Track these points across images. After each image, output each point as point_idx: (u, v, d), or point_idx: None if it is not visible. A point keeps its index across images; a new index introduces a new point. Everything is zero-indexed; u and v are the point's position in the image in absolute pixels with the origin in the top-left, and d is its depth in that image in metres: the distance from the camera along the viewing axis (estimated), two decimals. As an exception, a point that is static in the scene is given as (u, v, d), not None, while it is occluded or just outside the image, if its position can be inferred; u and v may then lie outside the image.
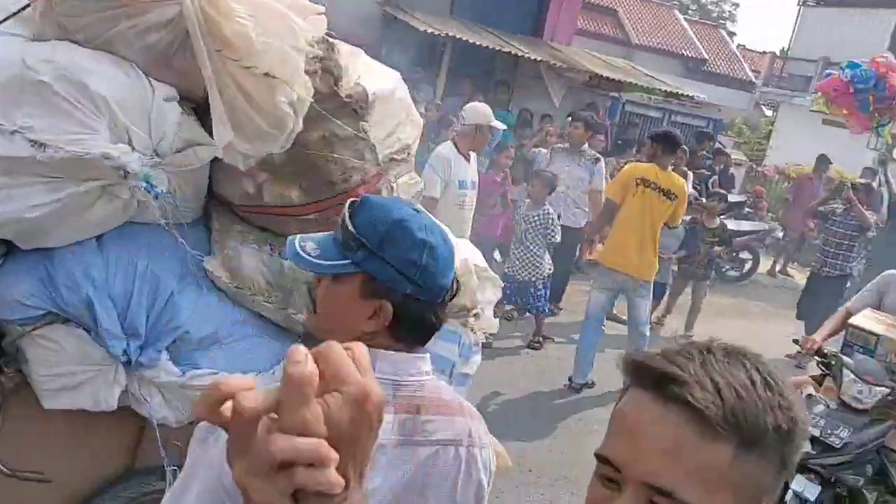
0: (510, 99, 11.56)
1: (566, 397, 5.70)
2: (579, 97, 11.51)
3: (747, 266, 10.76)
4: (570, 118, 7.82)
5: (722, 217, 8.18)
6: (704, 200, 8.00)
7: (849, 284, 9.41)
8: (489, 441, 1.51)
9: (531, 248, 6.26)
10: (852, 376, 3.65)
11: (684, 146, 10.48)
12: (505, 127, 5.97)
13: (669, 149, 5.72)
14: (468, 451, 1.42)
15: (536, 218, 6.33)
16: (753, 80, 22.79)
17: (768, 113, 22.90)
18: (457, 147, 4.98)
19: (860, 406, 3.58)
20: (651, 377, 0.80)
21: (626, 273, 5.58)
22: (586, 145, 7.03)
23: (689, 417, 0.76)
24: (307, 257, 1.42)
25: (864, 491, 3.49)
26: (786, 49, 25.33)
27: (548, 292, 6.54)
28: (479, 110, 5.10)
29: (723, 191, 8.32)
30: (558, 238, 6.43)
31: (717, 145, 16.44)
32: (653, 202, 5.52)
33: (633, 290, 5.66)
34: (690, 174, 9.55)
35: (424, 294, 1.39)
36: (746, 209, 12.06)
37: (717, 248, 7.72)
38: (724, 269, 10.27)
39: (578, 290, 8.18)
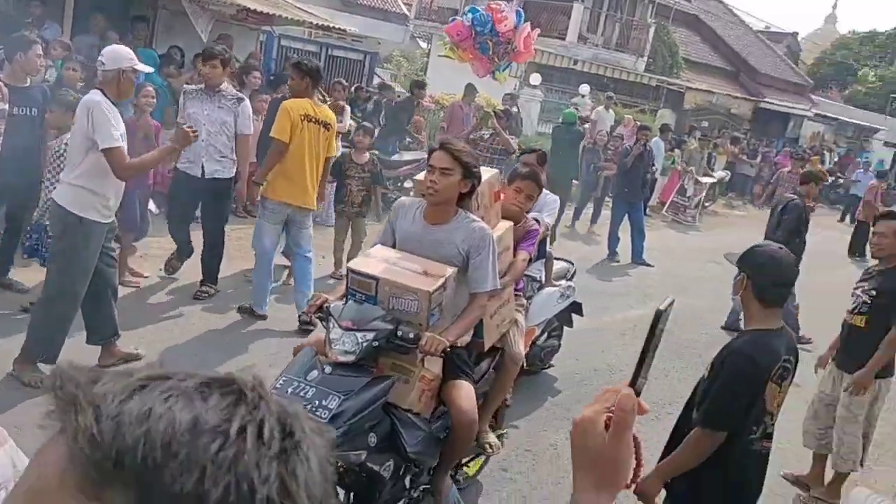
0: (152, 36, 10.61)
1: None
2: (229, 32, 10.90)
3: (412, 194, 11.19)
4: (200, 56, 6.89)
5: (372, 151, 8.27)
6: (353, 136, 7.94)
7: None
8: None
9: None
10: (336, 328, 3.12)
11: (343, 80, 10.54)
12: (151, 69, 5.53)
13: (316, 81, 5.95)
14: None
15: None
16: (406, 13, 23.58)
17: (423, 45, 23.92)
18: (106, 96, 4.43)
19: (349, 359, 3.05)
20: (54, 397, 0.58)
21: (297, 205, 5.90)
22: (225, 84, 6.17)
23: (73, 457, 0.55)
24: None
25: (371, 465, 2.98)
26: (433, -17, 26.50)
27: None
28: (119, 53, 4.62)
29: (369, 124, 8.38)
30: None
31: (378, 79, 16.81)
32: (316, 136, 5.87)
33: (301, 221, 6.03)
34: (348, 108, 9.62)
35: None
36: (408, 139, 12.52)
37: (369, 188, 7.58)
38: (391, 199, 10.57)
39: (245, 234, 7.90)
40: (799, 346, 6.76)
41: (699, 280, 9.99)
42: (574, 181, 11.82)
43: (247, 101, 6.28)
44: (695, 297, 8.97)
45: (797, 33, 39.88)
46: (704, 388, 2.79)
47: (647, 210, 13.36)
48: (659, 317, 1.10)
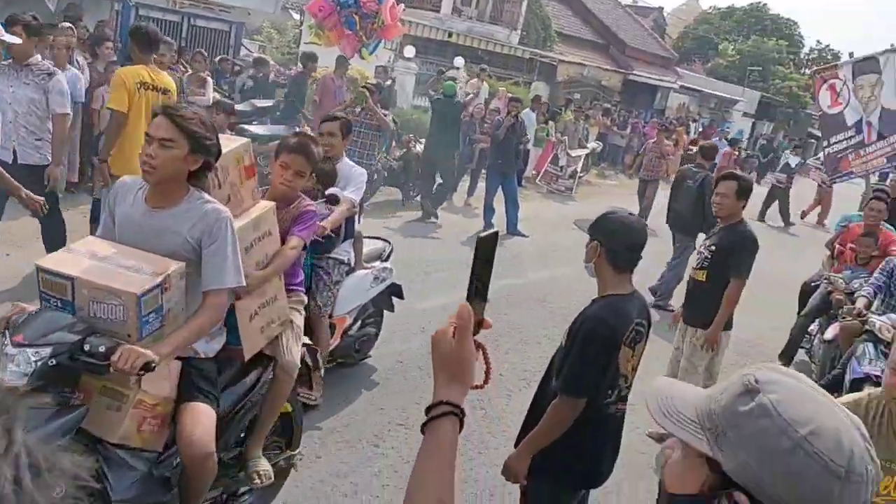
0: (-8, 4, 9.77)
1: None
2: (77, 1, 10.18)
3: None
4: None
5: (242, 126, 8.01)
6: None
7: (376, 177, 10.11)
8: None
9: None
10: (10, 344, 2.41)
11: (203, 51, 10.05)
12: (19, 40, 5.17)
13: (148, 45, 5.67)
14: None
15: None
16: (276, -17, 22.83)
17: (295, 17, 23.26)
18: None
19: (21, 383, 2.36)
20: None
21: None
22: (38, 57, 5.50)
23: None
24: None
25: None
26: (305, -48, 25.77)
27: None
28: None
29: (228, 101, 8.10)
30: None
31: (246, 51, 16.21)
32: (155, 103, 5.45)
33: None
34: (210, 80, 9.21)
35: None
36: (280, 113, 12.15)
37: None
38: (266, 174, 10.25)
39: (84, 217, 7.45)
40: (656, 308, 6.97)
41: (573, 249, 10.16)
42: (455, 154, 11.83)
43: (60, 76, 5.55)
44: (569, 265, 9.17)
45: (663, 8, 41.44)
46: (562, 356, 2.80)
47: (524, 181, 13.56)
48: (478, 244, 1.33)
